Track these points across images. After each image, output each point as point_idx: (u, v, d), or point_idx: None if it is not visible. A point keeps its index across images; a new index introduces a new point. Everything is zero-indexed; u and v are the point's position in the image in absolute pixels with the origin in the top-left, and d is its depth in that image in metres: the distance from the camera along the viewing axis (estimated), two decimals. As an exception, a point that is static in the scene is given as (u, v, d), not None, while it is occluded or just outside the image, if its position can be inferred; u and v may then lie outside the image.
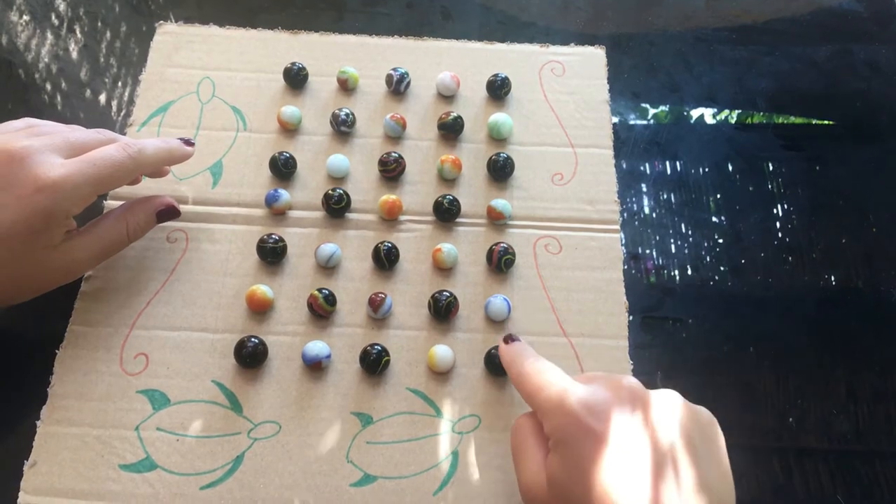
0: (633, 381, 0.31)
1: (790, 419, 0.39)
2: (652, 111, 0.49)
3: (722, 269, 0.44)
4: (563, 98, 0.47)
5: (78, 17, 0.50)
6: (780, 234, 0.45)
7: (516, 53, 0.49)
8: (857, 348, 0.42)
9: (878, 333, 0.42)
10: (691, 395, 0.39)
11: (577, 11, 0.52)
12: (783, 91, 0.50)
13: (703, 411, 0.32)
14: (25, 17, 0.49)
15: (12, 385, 0.38)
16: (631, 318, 0.41)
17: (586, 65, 0.49)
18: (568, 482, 0.28)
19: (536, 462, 0.31)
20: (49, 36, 0.49)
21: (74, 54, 0.48)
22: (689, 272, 0.44)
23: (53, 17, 0.49)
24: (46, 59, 0.48)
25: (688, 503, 0.27)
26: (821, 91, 0.50)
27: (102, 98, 0.47)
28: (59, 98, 0.47)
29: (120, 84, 0.47)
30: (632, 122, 0.48)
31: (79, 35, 0.49)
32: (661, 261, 0.44)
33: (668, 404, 0.30)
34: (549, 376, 0.32)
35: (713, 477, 0.29)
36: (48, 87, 0.47)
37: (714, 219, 0.45)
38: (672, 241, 0.44)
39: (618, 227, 0.43)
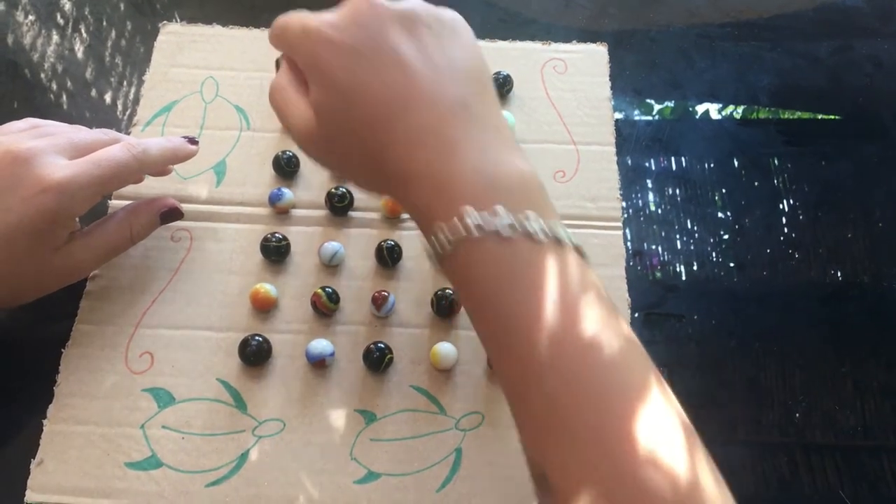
0: None
1: (796, 415, 0.39)
2: (654, 108, 0.49)
3: (725, 265, 0.44)
4: (566, 95, 0.47)
5: (82, 17, 0.50)
6: (783, 230, 0.45)
7: (518, 51, 0.49)
8: (862, 343, 0.42)
9: (884, 328, 0.42)
10: (696, 390, 0.40)
11: (578, 8, 0.52)
12: (785, 87, 0.50)
13: (447, 13, 0.32)
14: (31, 18, 0.49)
15: (19, 384, 0.38)
16: (636, 314, 0.41)
17: (588, 62, 0.49)
18: (330, 101, 0.29)
19: (301, 103, 0.31)
20: (54, 36, 0.49)
21: (79, 54, 0.48)
22: (693, 269, 0.44)
23: (58, 17, 0.50)
24: (51, 59, 0.48)
25: (442, 109, 0.28)
26: (823, 87, 0.50)
27: (107, 98, 0.47)
28: (64, 98, 0.47)
29: (125, 84, 0.47)
30: (634, 119, 0.48)
31: (84, 35, 0.49)
32: (663, 257, 0.44)
33: (411, 7, 0.31)
34: (294, 15, 0.32)
35: (461, 56, 0.30)
36: (53, 86, 0.47)
37: (717, 215, 0.45)
38: (675, 237, 0.44)
39: (620, 224, 0.43)
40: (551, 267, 0.27)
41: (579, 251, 0.28)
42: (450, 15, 0.32)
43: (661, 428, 0.25)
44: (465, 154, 0.28)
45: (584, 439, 0.25)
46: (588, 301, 0.26)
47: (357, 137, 0.29)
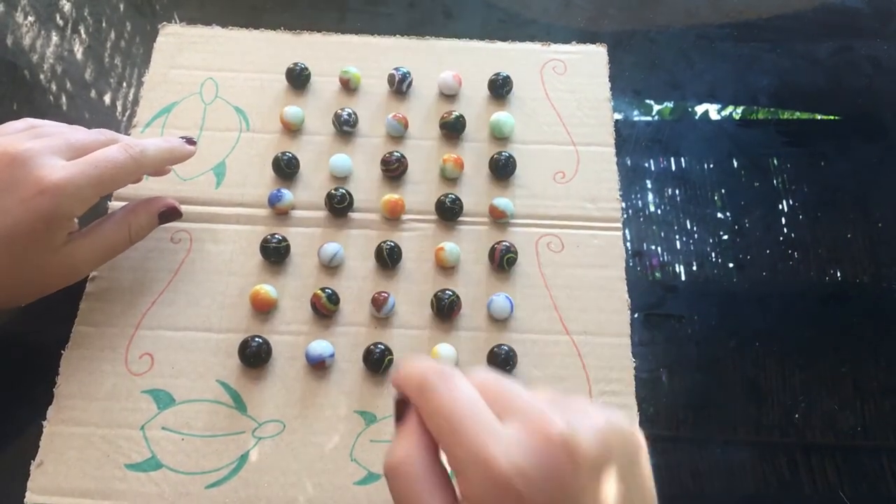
0: (559, 424, 0.24)
1: (796, 415, 0.39)
2: (654, 108, 0.49)
3: (725, 265, 0.44)
4: (565, 96, 0.47)
5: (82, 18, 0.50)
6: (782, 231, 0.45)
7: (518, 52, 0.49)
8: (862, 343, 0.42)
9: (883, 328, 0.42)
10: (696, 391, 0.40)
11: (578, 9, 0.52)
12: (785, 88, 0.50)
13: (636, 446, 0.26)
14: (30, 19, 0.49)
15: (19, 385, 0.38)
16: (636, 315, 0.41)
17: (588, 63, 0.49)
18: None
19: None
20: (53, 37, 0.49)
21: (79, 55, 0.48)
22: (692, 269, 0.44)
23: (58, 19, 0.50)
24: (51, 60, 0.48)
25: None
26: (823, 88, 0.50)
27: (107, 99, 0.47)
28: (63, 99, 0.47)
29: (125, 85, 0.47)
30: (633, 120, 0.48)
31: (83, 36, 0.49)
32: (663, 258, 0.44)
33: (607, 450, 0.24)
34: (465, 409, 0.24)
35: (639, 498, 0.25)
36: (53, 87, 0.47)
37: (717, 215, 0.45)
38: (674, 238, 0.44)
39: (620, 224, 0.43)
40: None
41: None
42: (639, 451, 0.26)
43: None
44: None
45: None
46: None
47: None
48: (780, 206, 0.46)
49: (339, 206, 0.42)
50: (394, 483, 0.24)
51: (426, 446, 0.24)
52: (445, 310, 0.39)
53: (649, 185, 0.46)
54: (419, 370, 0.25)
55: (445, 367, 0.25)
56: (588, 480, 0.23)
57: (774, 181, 0.47)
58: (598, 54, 0.49)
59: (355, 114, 0.45)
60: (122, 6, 0.51)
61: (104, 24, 0.50)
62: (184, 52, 0.48)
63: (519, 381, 0.38)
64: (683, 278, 0.43)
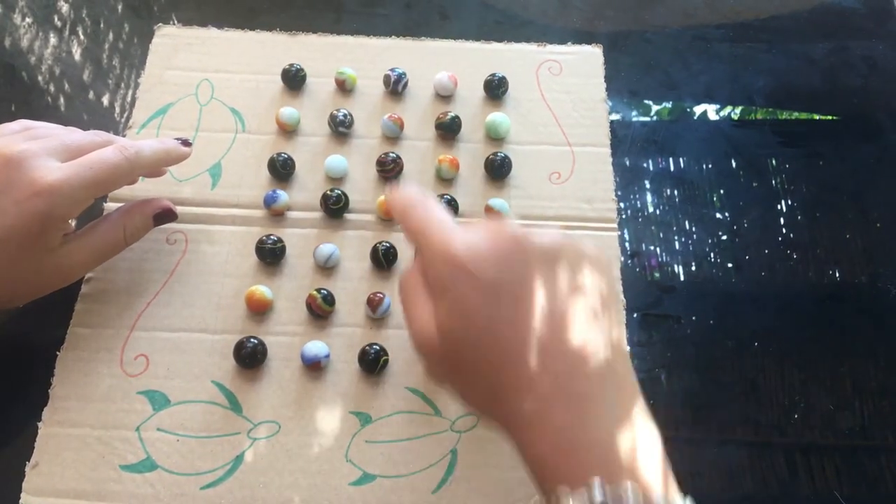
0: (515, 227, 0.30)
1: (794, 415, 0.39)
2: (650, 109, 0.49)
3: (723, 265, 0.44)
4: (561, 97, 0.47)
5: (80, 19, 0.50)
6: (780, 231, 0.45)
7: (514, 53, 0.49)
8: (860, 344, 0.42)
9: (881, 329, 0.42)
10: (694, 391, 0.40)
11: (574, 10, 0.52)
12: (781, 88, 0.50)
13: (589, 250, 0.30)
14: (28, 20, 0.49)
15: (14, 387, 0.38)
16: (634, 315, 0.41)
17: (583, 64, 0.49)
18: (458, 330, 0.28)
19: (426, 312, 0.29)
20: (51, 38, 0.49)
21: (76, 57, 0.48)
22: (689, 269, 0.44)
23: (55, 20, 0.50)
24: (49, 62, 0.48)
25: (573, 360, 0.27)
26: (818, 88, 0.50)
27: (105, 100, 0.47)
28: (61, 100, 0.47)
29: (122, 86, 0.47)
30: (629, 121, 0.48)
31: (81, 37, 0.49)
32: (659, 259, 0.44)
33: (553, 245, 0.29)
34: (434, 220, 0.30)
35: (596, 295, 0.29)
36: (50, 89, 0.47)
37: (713, 216, 0.45)
38: (670, 238, 0.44)
39: (615, 225, 0.43)
40: None
41: None
42: (592, 252, 0.30)
43: None
44: (598, 418, 0.27)
45: None
46: None
47: (480, 372, 0.28)
48: (776, 207, 0.46)
49: (334, 207, 0.42)
50: (400, 291, 0.32)
51: (423, 277, 0.30)
52: (441, 310, 0.39)
53: (645, 186, 0.46)
54: (404, 195, 0.32)
55: (424, 192, 0.32)
56: (535, 267, 0.28)
57: (769, 182, 0.47)
58: (593, 55, 0.49)
59: (351, 115, 0.45)
60: (119, 7, 0.51)
61: (101, 26, 0.50)
62: (179, 54, 0.48)
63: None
64: (680, 278, 0.43)
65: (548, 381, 0.27)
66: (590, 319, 0.28)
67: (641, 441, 0.27)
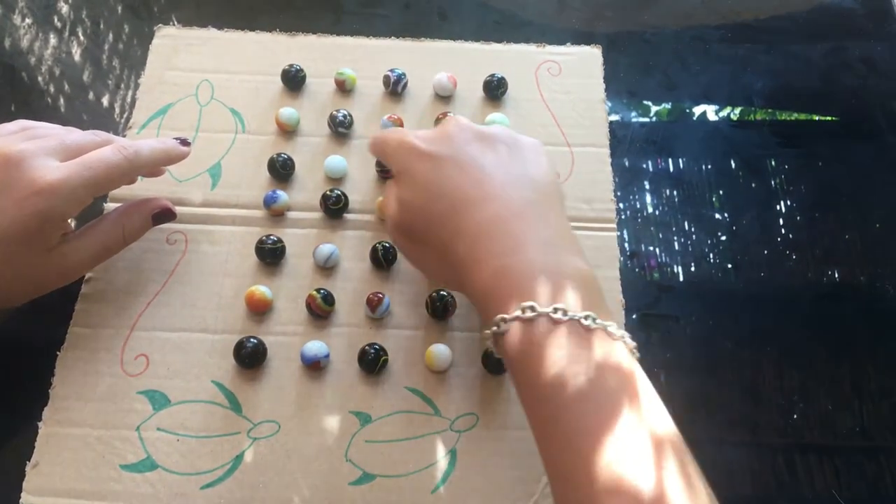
0: (461, 119, 0.36)
1: (793, 416, 0.39)
2: (648, 110, 0.49)
3: (720, 266, 0.44)
4: (560, 97, 0.48)
5: (79, 20, 0.50)
6: (777, 231, 0.45)
7: (513, 53, 0.49)
8: (859, 344, 0.42)
9: (880, 329, 0.42)
10: (693, 392, 0.40)
11: (573, 11, 0.52)
12: (779, 89, 0.50)
13: (526, 138, 0.36)
14: (28, 21, 0.50)
15: (14, 386, 0.38)
16: (634, 315, 0.41)
17: (582, 64, 0.49)
18: (410, 198, 0.34)
19: (392, 195, 0.35)
20: (51, 39, 0.49)
21: (76, 57, 0.49)
22: (688, 269, 0.44)
23: (55, 20, 0.50)
24: (48, 62, 0.48)
25: (504, 204, 0.32)
26: (817, 88, 0.51)
27: (105, 101, 0.47)
28: (61, 101, 0.47)
29: (122, 87, 0.47)
30: (628, 121, 0.48)
31: (81, 38, 0.49)
32: (658, 259, 0.44)
33: (492, 130, 0.35)
34: (396, 131, 0.38)
35: (534, 171, 0.34)
36: (50, 89, 0.47)
37: (711, 216, 0.45)
38: (669, 239, 0.45)
39: (614, 225, 0.44)
40: (597, 355, 0.28)
41: (626, 344, 0.29)
42: (528, 140, 0.36)
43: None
44: (529, 249, 0.30)
45: None
46: (620, 402, 0.27)
47: (433, 227, 0.33)
48: (774, 207, 0.46)
49: (334, 208, 0.42)
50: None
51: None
52: (440, 310, 0.39)
53: (644, 186, 0.46)
54: (381, 135, 0.38)
55: (398, 131, 0.38)
56: (473, 141, 0.34)
57: (768, 182, 0.47)
58: (592, 56, 0.50)
59: (350, 115, 0.45)
60: (119, 8, 0.51)
61: (101, 26, 0.50)
62: (179, 54, 0.48)
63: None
64: (681, 279, 0.43)
65: (483, 223, 0.31)
66: (519, 175, 0.33)
67: (573, 275, 0.30)
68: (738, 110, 0.50)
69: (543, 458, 0.29)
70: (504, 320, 0.29)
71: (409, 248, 0.36)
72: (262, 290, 0.40)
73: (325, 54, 0.48)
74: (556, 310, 0.28)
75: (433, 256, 0.34)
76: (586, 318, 0.28)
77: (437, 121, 0.45)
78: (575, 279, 0.30)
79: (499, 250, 0.30)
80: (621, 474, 0.25)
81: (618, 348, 0.28)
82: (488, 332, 0.30)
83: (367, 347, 0.38)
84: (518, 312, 0.28)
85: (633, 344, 0.30)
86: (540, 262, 0.30)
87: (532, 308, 0.28)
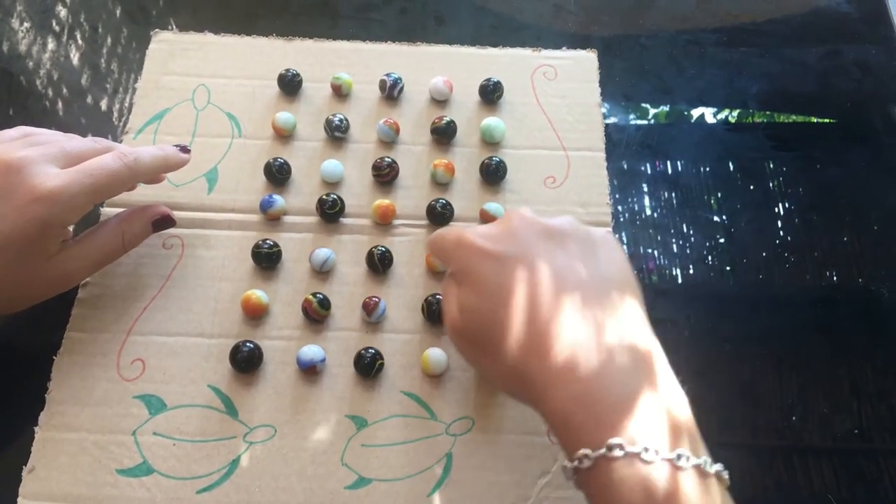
0: (525, 212, 0.33)
1: (792, 418, 0.39)
2: (644, 113, 0.49)
3: (718, 268, 0.44)
4: (556, 101, 0.48)
5: (77, 24, 0.50)
6: (775, 234, 0.45)
7: (509, 58, 0.49)
8: (857, 346, 0.42)
9: (879, 331, 0.42)
10: (692, 394, 0.39)
11: (569, 15, 0.52)
12: (774, 92, 0.50)
13: (597, 231, 0.33)
14: (26, 25, 0.50)
15: (10, 391, 0.38)
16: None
17: (578, 68, 0.49)
18: (474, 302, 0.31)
19: (453, 298, 0.33)
20: (49, 44, 0.49)
21: (74, 62, 0.49)
22: (685, 272, 0.44)
23: (54, 25, 0.50)
24: (46, 67, 0.48)
25: (584, 276, 0.30)
26: (812, 92, 0.51)
27: (103, 105, 0.47)
28: (59, 105, 0.47)
29: (120, 91, 0.47)
30: (624, 125, 0.48)
31: (79, 43, 0.49)
32: (656, 262, 0.44)
33: (561, 224, 0.33)
34: (452, 230, 0.35)
35: (608, 269, 0.31)
36: (49, 94, 0.47)
37: (709, 219, 0.45)
38: (667, 242, 0.45)
39: (610, 229, 0.44)
40: (690, 492, 0.25)
41: (720, 478, 0.27)
42: (600, 233, 0.33)
43: None
44: (616, 384, 0.27)
45: None
46: None
47: (496, 336, 0.30)
48: (769, 210, 0.46)
49: (330, 212, 0.42)
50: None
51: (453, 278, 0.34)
52: (436, 314, 0.39)
53: (641, 190, 0.46)
54: (439, 234, 0.35)
55: (455, 229, 0.36)
56: (542, 238, 0.31)
57: (763, 185, 0.47)
58: (588, 60, 0.50)
59: (347, 119, 0.45)
60: (116, 13, 0.51)
61: (99, 31, 0.50)
62: (176, 59, 0.48)
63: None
64: (678, 282, 0.43)
65: (563, 336, 0.28)
66: (602, 280, 0.30)
67: (661, 405, 0.27)
68: (734, 113, 0.50)
69: None
70: (587, 457, 0.26)
71: (474, 355, 0.33)
72: (258, 294, 0.40)
73: (321, 59, 0.49)
74: (646, 449, 0.25)
75: (502, 366, 0.30)
76: (678, 457, 0.25)
77: (434, 125, 0.45)
78: (666, 408, 0.27)
79: (580, 377, 0.27)
80: None
81: (712, 486, 0.26)
82: (568, 465, 0.27)
83: (363, 351, 0.38)
84: (603, 451, 0.26)
85: (727, 475, 0.27)
86: (625, 389, 0.27)
87: (620, 447, 0.25)
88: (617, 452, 0.25)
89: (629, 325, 0.29)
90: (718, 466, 0.27)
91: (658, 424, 0.26)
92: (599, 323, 0.29)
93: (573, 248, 0.31)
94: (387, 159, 0.44)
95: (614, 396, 0.27)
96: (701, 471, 0.26)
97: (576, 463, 0.27)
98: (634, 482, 0.25)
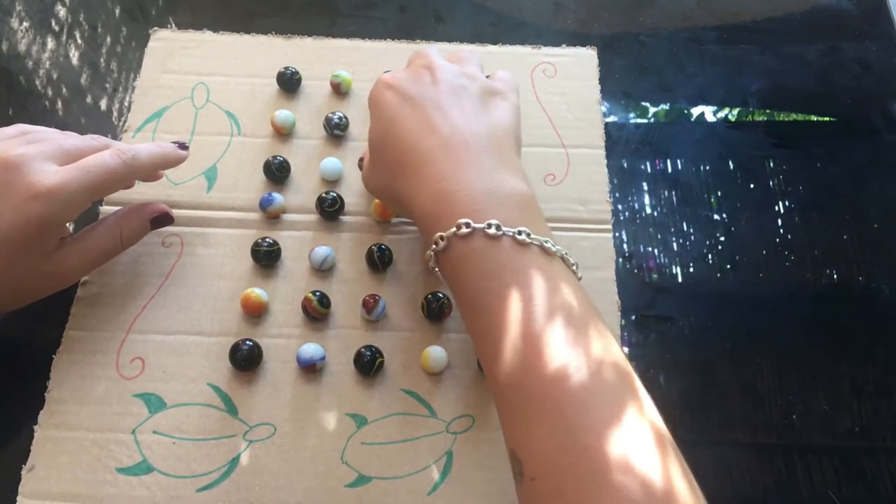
0: (432, 59, 0.38)
1: (792, 416, 0.39)
2: (644, 111, 0.49)
3: (718, 267, 0.44)
4: (555, 99, 0.48)
5: (76, 23, 0.50)
6: (775, 232, 0.45)
7: (508, 55, 0.49)
8: (857, 345, 0.42)
9: (879, 329, 0.42)
10: (691, 393, 0.40)
11: (568, 12, 0.52)
12: (774, 90, 0.50)
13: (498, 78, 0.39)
14: (25, 24, 0.50)
15: (10, 390, 0.38)
16: (632, 317, 0.41)
17: (578, 66, 0.49)
18: (378, 131, 0.36)
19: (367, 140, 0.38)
20: (48, 43, 0.49)
21: (73, 61, 0.49)
22: (685, 271, 0.44)
23: (53, 24, 0.50)
24: (46, 66, 0.48)
25: (457, 131, 0.33)
26: (812, 89, 0.51)
27: (102, 104, 0.47)
28: (58, 104, 0.47)
29: (119, 90, 0.47)
30: (624, 123, 0.48)
31: (78, 41, 0.49)
32: (656, 260, 0.44)
33: (454, 66, 0.38)
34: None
35: (494, 112, 0.36)
36: (48, 93, 0.47)
37: (709, 217, 0.45)
38: (666, 240, 0.45)
39: (610, 226, 0.44)
40: (533, 269, 0.29)
41: (566, 261, 0.31)
42: (502, 84, 0.38)
43: (634, 437, 0.26)
44: (469, 171, 0.32)
45: (560, 443, 0.26)
46: (563, 314, 0.28)
47: (389, 159, 0.35)
48: (770, 208, 0.46)
49: (329, 210, 0.42)
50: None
51: None
52: (436, 312, 0.39)
53: (641, 188, 0.46)
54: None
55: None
56: (439, 84, 0.35)
57: (763, 183, 0.47)
58: (588, 57, 0.50)
59: (346, 117, 0.45)
60: (115, 12, 0.51)
61: (98, 30, 0.50)
62: (175, 57, 0.48)
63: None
64: (678, 280, 0.43)
65: (433, 148, 0.33)
66: (476, 107, 0.35)
67: (509, 197, 0.31)
68: (734, 111, 0.50)
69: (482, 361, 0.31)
70: (441, 238, 0.31)
71: (372, 180, 0.38)
72: (257, 292, 0.40)
73: (320, 57, 0.49)
74: (489, 225, 0.30)
75: (387, 186, 0.36)
76: (519, 233, 0.30)
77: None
78: (512, 198, 0.31)
79: (438, 174, 0.32)
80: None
81: (556, 263, 0.30)
82: (429, 252, 0.32)
83: (362, 349, 0.38)
84: (453, 230, 0.30)
85: (573, 262, 0.32)
86: (478, 184, 0.31)
87: (467, 224, 0.30)
88: (464, 230, 0.30)
89: (496, 148, 0.33)
90: (563, 251, 0.31)
91: (504, 209, 0.31)
92: (466, 141, 0.33)
93: (465, 95, 0.35)
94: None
95: (467, 190, 0.31)
96: (545, 249, 0.30)
97: (434, 246, 0.31)
98: (481, 254, 0.30)
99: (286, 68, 0.47)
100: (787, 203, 0.46)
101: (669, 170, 0.47)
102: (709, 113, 0.49)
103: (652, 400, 0.29)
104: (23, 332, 0.40)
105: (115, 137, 0.45)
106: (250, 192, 0.44)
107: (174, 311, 0.40)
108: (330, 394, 0.38)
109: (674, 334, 0.41)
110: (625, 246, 0.44)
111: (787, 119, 0.50)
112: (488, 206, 0.31)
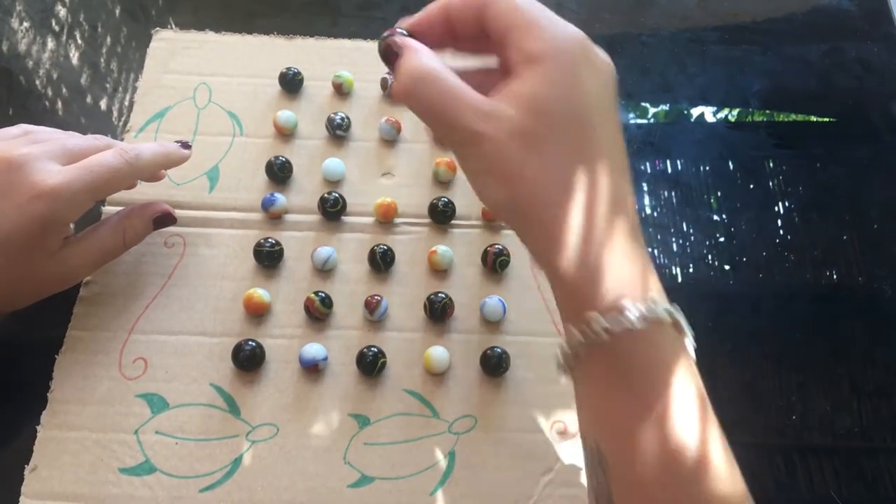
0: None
1: (793, 416, 0.40)
2: (645, 111, 0.49)
3: (718, 267, 0.44)
4: (557, 99, 0.48)
5: (77, 23, 0.50)
6: (775, 232, 0.45)
7: (510, 56, 0.49)
8: (858, 345, 0.42)
9: (879, 330, 0.42)
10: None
11: (570, 13, 0.52)
12: (776, 90, 0.50)
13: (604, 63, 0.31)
14: (25, 24, 0.50)
15: (12, 390, 0.38)
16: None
17: (580, 66, 0.49)
18: (555, 94, 0.27)
19: (513, 92, 0.27)
20: (49, 43, 0.49)
21: (74, 61, 0.49)
22: (685, 271, 0.44)
23: (53, 24, 0.50)
24: (46, 66, 0.48)
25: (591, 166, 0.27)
26: (813, 90, 0.51)
27: (103, 104, 0.47)
28: (59, 104, 0.47)
29: (120, 90, 0.47)
30: (625, 123, 0.48)
31: (78, 42, 0.49)
32: (656, 260, 0.44)
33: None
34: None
35: (609, 142, 0.28)
36: (49, 93, 0.47)
37: (709, 218, 0.46)
38: (667, 240, 0.45)
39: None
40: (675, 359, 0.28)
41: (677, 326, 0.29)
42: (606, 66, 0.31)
43: None
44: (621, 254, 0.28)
45: None
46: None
47: (567, 137, 0.27)
48: (771, 209, 0.46)
49: (332, 210, 0.42)
50: (424, 89, 0.27)
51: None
52: (438, 312, 0.39)
53: (642, 188, 0.46)
54: (408, 73, 0.28)
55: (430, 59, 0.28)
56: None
57: (764, 184, 0.47)
58: (589, 58, 0.50)
59: (348, 118, 0.45)
60: (116, 12, 0.51)
61: (99, 30, 0.50)
62: (177, 57, 0.48)
63: (511, 383, 0.39)
64: (679, 280, 0.43)
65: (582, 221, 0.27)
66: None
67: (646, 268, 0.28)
68: (735, 112, 0.50)
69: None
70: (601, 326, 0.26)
71: (527, 160, 0.27)
72: (260, 292, 0.40)
73: (322, 57, 0.48)
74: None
75: (559, 177, 0.27)
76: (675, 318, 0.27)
77: None
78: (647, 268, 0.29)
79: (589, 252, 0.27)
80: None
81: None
82: (578, 337, 0.27)
83: (365, 350, 0.38)
84: (623, 322, 0.26)
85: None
86: (632, 266, 0.28)
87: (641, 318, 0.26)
88: (632, 314, 0.26)
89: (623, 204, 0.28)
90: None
91: (649, 288, 0.28)
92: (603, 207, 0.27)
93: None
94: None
95: (620, 268, 0.27)
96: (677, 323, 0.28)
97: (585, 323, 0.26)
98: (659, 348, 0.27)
99: (288, 69, 0.47)
100: (787, 203, 0.46)
101: (670, 170, 0.47)
102: (709, 113, 0.49)
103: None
104: (25, 332, 0.40)
105: (115, 137, 0.45)
106: (252, 193, 0.44)
107: (177, 311, 0.40)
108: (332, 394, 0.38)
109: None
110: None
111: (787, 119, 0.50)
112: (644, 287, 0.28)
